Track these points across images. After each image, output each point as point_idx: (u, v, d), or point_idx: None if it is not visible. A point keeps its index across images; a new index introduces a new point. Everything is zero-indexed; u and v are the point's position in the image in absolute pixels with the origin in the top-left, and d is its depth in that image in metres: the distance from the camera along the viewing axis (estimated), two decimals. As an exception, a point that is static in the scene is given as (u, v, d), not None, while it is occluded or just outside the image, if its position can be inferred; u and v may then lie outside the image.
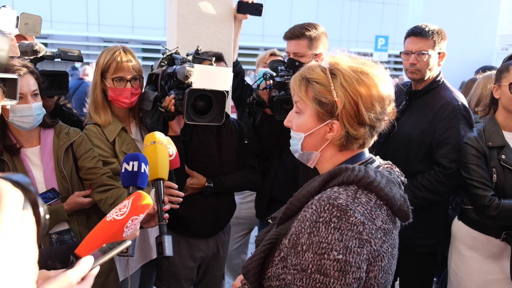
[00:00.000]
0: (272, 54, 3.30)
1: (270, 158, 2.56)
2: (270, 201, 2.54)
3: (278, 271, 1.10)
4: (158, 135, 1.60)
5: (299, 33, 2.33)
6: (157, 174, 1.53)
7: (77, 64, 10.01)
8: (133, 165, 1.45)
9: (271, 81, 2.26)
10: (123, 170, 1.47)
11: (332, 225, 0.99)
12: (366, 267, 1.02)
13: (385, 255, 1.05)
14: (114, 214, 1.23)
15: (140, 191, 1.33)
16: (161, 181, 1.54)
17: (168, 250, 1.45)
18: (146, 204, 1.28)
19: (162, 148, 1.57)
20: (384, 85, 1.12)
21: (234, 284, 1.36)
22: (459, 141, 2.25)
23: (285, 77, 2.19)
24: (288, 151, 2.47)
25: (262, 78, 2.33)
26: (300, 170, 2.42)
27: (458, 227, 2.35)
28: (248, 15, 2.66)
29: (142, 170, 1.45)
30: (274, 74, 2.29)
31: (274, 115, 2.26)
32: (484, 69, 4.06)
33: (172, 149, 1.67)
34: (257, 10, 2.60)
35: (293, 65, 2.19)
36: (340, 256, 0.97)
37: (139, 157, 1.47)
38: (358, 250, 0.99)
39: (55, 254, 1.30)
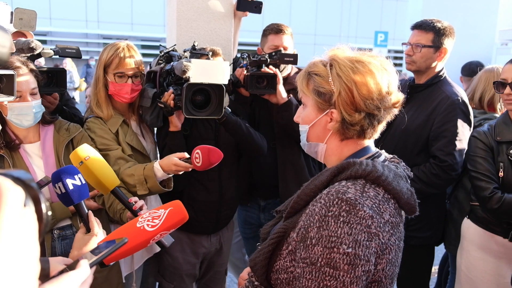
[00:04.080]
0: None
1: None
2: (250, 185, 2.58)
3: (286, 264, 1.12)
4: (81, 152, 1.50)
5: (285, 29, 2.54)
6: (107, 189, 1.52)
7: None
8: (59, 187, 1.34)
9: (248, 60, 2.39)
10: (58, 193, 1.38)
11: (341, 219, 1.01)
12: (375, 260, 1.03)
13: (392, 248, 1.07)
14: (145, 222, 1.18)
15: (180, 203, 1.27)
16: (117, 189, 1.55)
17: (167, 242, 1.46)
18: (181, 219, 1.23)
19: (94, 163, 1.49)
20: (382, 72, 1.13)
21: (241, 276, 1.39)
22: (455, 135, 2.27)
23: (259, 55, 2.35)
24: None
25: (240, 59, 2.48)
26: (278, 153, 2.44)
27: (467, 226, 2.32)
28: (247, 12, 2.65)
29: (71, 187, 1.33)
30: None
31: (244, 97, 2.44)
32: (476, 65, 4.07)
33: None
34: (256, 7, 2.60)
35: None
36: (350, 250, 0.99)
37: (60, 174, 1.35)
38: (367, 243, 1.01)
39: None
